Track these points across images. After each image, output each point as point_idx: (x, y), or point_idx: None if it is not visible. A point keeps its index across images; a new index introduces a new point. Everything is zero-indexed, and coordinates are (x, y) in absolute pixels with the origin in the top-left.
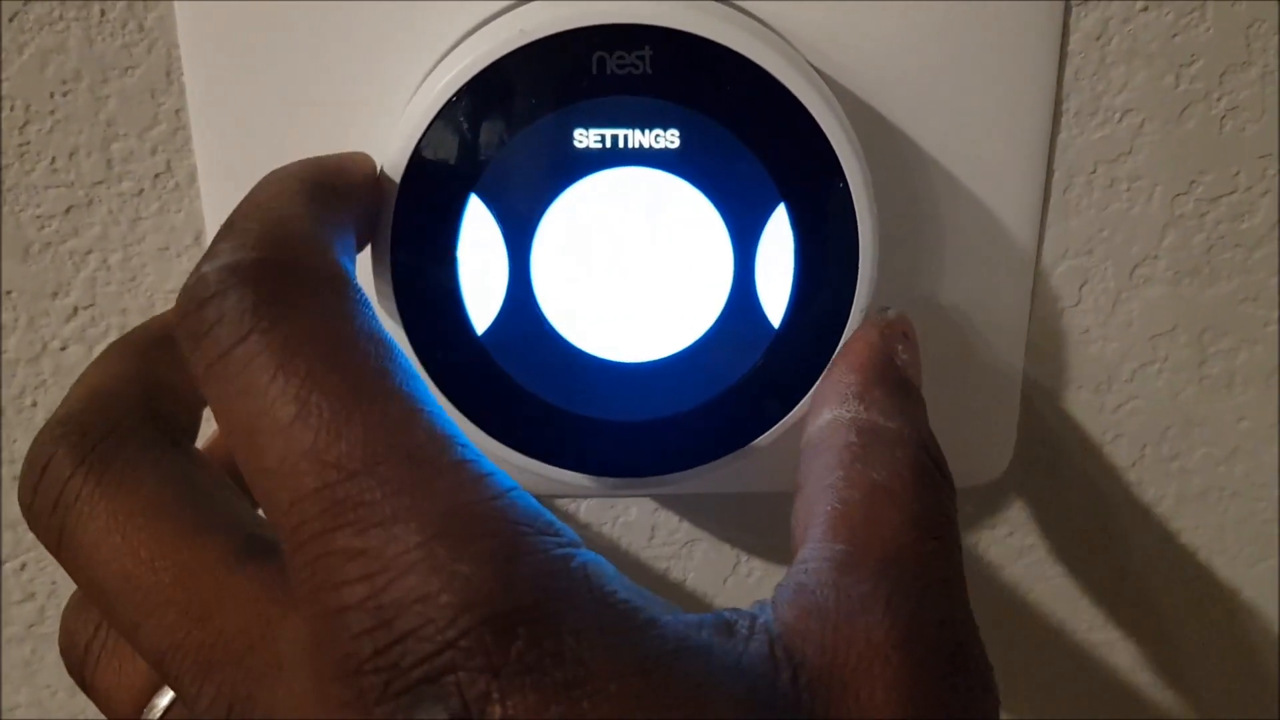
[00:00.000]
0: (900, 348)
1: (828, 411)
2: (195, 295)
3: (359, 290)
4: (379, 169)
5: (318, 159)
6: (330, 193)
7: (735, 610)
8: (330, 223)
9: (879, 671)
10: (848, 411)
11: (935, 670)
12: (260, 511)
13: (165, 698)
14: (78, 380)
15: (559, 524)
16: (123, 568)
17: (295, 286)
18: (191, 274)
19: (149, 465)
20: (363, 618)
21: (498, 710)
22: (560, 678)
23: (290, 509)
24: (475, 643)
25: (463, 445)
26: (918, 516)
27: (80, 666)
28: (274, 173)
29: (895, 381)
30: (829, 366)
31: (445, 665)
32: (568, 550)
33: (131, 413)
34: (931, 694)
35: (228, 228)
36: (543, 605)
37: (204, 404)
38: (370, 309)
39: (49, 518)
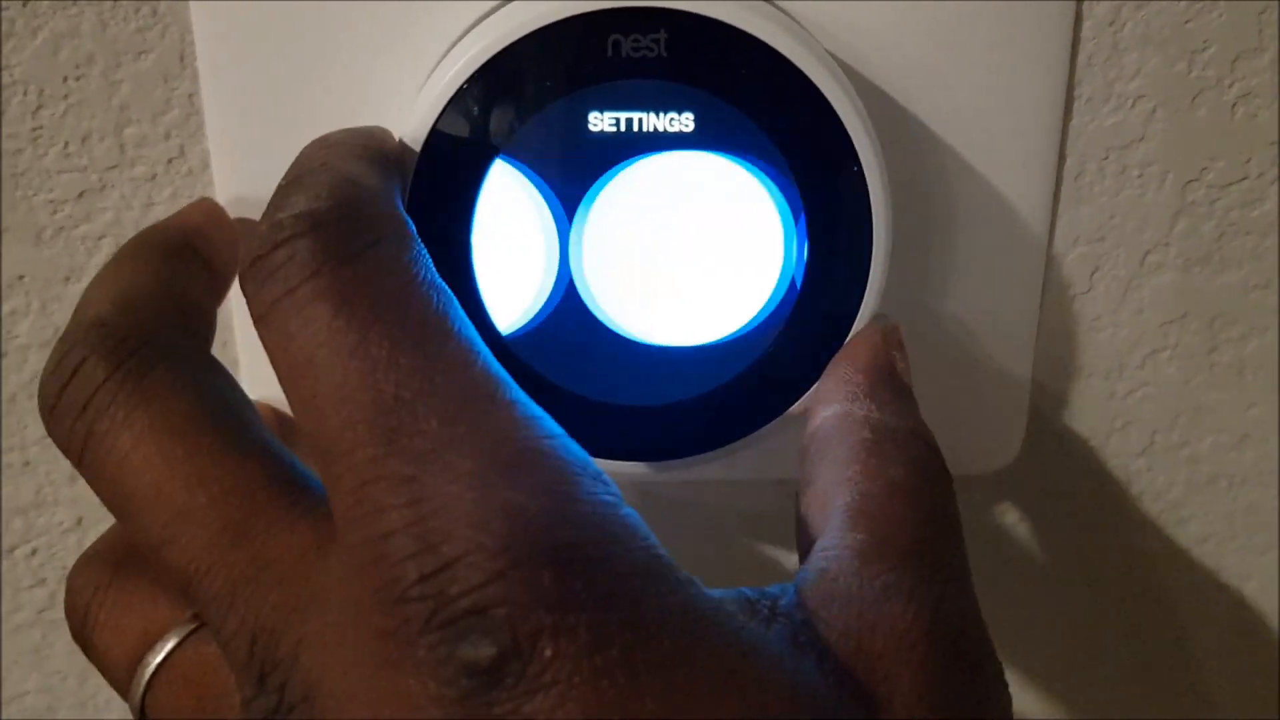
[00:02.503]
0: (897, 355)
1: (837, 407)
2: (270, 238)
3: (420, 243)
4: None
5: (354, 128)
6: (382, 159)
7: (755, 590)
8: (389, 184)
9: (905, 659)
10: (859, 409)
11: (957, 662)
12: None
13: (159, 655)
14: (100, 279)
15: (605, 475)
16: (156, 479)
17: (364, 234)
18: (262, 221)
19: (186, 378)
20: (407, 542)
21: (549, 648)
22: (615, 620)
23: (342, 433)
24: (529, 575)
25: (514, 388)
26: (933, 514)
27: (81, 626)
28: (322, 138)
29: (898, 384)
30: (831, 366)
31: (495, 596)
32: (616, 499)
33: (167, 323)
34: (954, 685)
35: (295, 182)
36: (599, 545)
37: (215, 318)
38: (430, 262)
39: (75, 420)
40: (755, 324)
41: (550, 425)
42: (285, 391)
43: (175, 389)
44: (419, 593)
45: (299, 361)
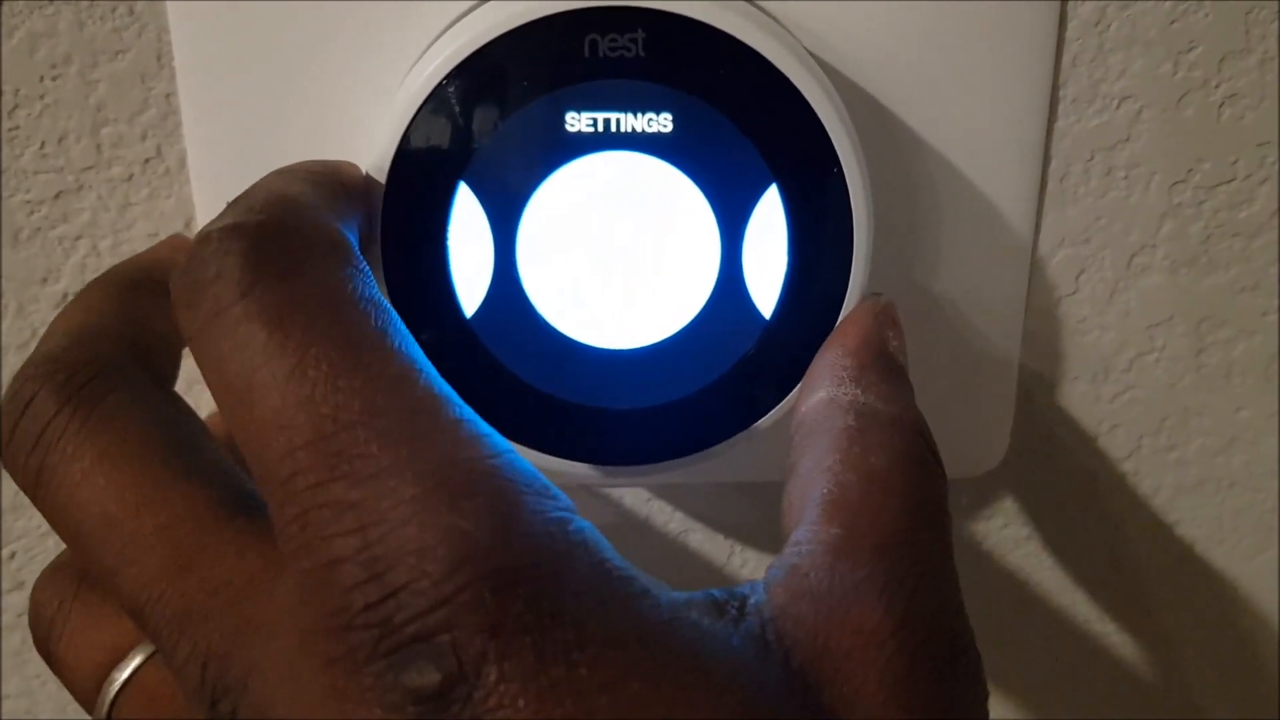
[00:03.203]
0: (891, 334)
1: (823, 392)
2: (198, 254)
3: (360, 259)
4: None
5: (314, 160)
6: (332, 182)
7: (725, 590)
8: (332, 205)
9: (873, 658)
10: (845, 394)
11: (928, 660)
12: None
13: (125, 671)
14: (57, 318)
15: (555, 488)
16: (105, 511)
17: (297, 249)
18: (195, 236)
19: (136, 408)
20: (354, 571)
21: (494, 672)
22: (560, 640)
23: (282, 460)
24: (473, 599)
25: (459, 405)
26: (914, 504)
27: (45, 640)
28: (275, 170)
29: (889, 366)
30: (822, 347)
31: (440, 623)
32: (565, 514)
33: (117, 353)
34: (924, 683)
35: (233, 202)
36: (543, 565)
37: (182, 349)
38: (371, 277)
39: (28, 456)
40: (724, 330)
41: (497, 443)
42: (224, 415)
43: (125, 419)
44: (364, 620)
45: (235, 386)
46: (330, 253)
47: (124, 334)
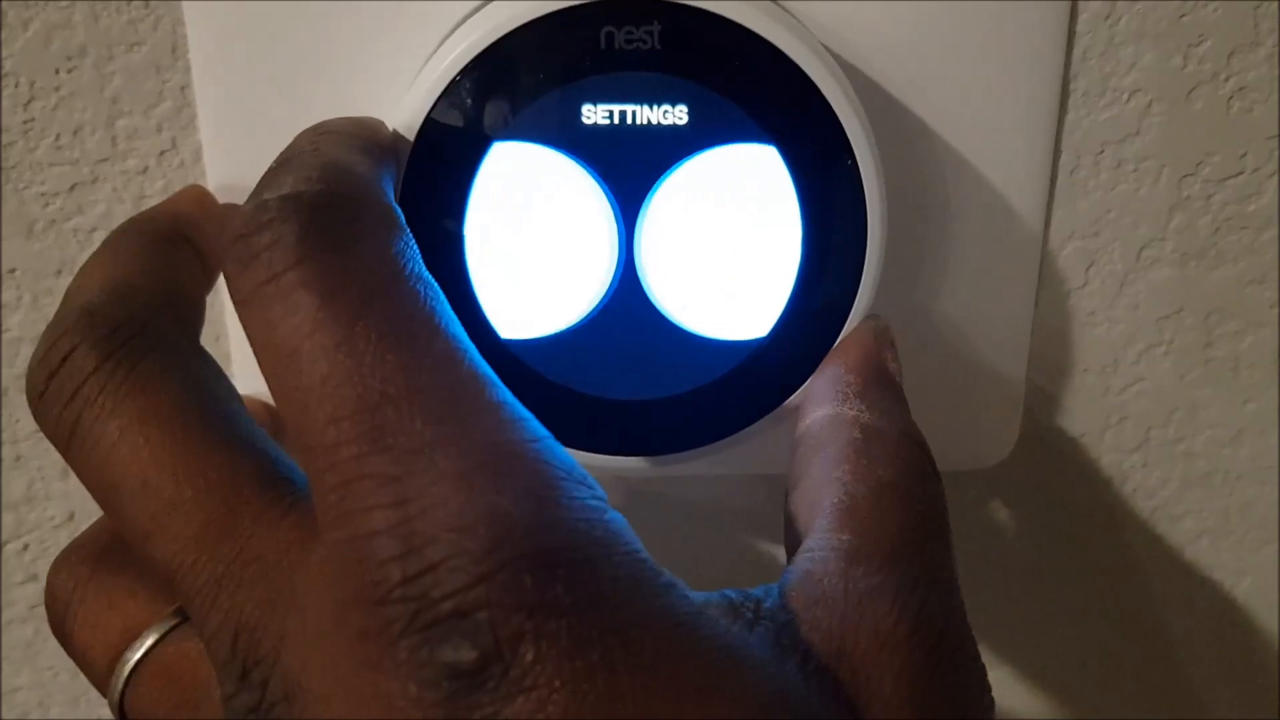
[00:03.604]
0: (889, 354)
1: (829, 407)
2: (255, 219)
3: (409, 234)
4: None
5: (349, 118)
6: (376, 148)
7: (739, 591)
8: (380, 174)
9: (888, 662)
10: (850, 409)
11: (941, 664)
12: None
13: (138, 651)
14: (91, 265)
15: (590, 478)
16: (143, 472)
17: (352, 221)
18: (248, 200)
19: (177, 369)
20: (391, 543)
21: (531, 652)
22: (596, 624)
23: (326, 427)
24: (512, 579)
25: (500, 388)
26: (922, 517)
27: (61, 622)
28: (316, 125)
29: (890, 385)
30: (823, 364)
31: (478, 600)
32: (601, 503)
33: (155, 312)
34: (937, 688)
35: (285, 163)
36: (582, 550)
37: (204, 313)
38: (418, 255)
39: (63, 409)
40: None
41: (536, 428)
42: (267, 379)
43: (164, 380)
44: (401, 594)
45: (282, 351)
46: (384, 227)
47: (159, 291)
